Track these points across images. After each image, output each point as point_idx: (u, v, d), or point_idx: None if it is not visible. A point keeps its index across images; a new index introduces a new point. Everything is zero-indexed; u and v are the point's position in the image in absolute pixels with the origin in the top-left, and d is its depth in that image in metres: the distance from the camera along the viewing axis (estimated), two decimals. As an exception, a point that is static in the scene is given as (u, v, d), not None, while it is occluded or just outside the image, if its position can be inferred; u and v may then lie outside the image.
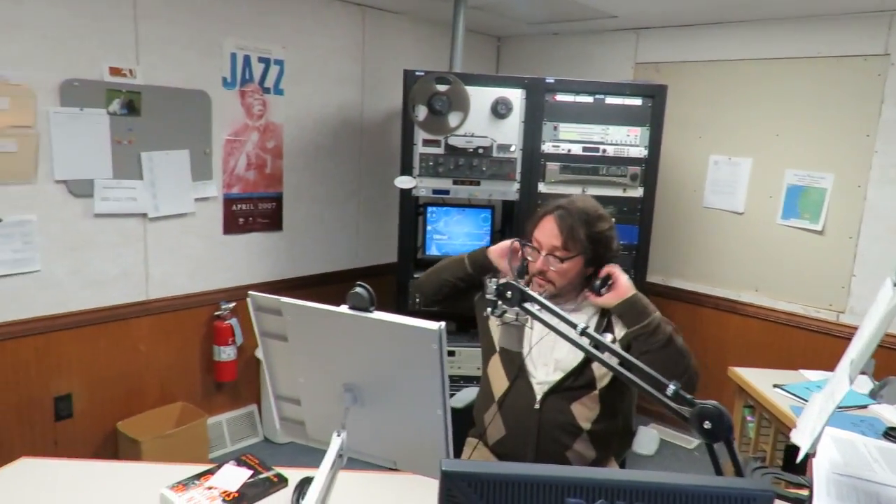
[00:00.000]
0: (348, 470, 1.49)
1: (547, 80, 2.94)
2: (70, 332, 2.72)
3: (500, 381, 1.84)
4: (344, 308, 1.11)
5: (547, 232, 1.75)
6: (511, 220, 3.25)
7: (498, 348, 1.87)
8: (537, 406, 1.75)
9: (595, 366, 1.74)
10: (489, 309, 1.45)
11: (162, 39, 2.81)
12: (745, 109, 3.38)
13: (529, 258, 1.76)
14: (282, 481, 1.70)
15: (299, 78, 3.32)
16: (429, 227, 3.19)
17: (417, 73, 2.90)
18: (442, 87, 2.90)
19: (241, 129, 3.14)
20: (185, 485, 1.64)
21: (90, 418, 2.85)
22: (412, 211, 3.08)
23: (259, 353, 3.33)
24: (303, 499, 1.62)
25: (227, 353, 3.18)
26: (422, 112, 2.91)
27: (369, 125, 3.69)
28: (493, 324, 1.89)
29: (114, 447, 2.90)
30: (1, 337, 2.53)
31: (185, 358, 3.14)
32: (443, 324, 1.05)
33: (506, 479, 0.91)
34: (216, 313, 3.16)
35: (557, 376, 1.76)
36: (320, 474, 1.04)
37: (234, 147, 3.14)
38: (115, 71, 2.70)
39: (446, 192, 3.01)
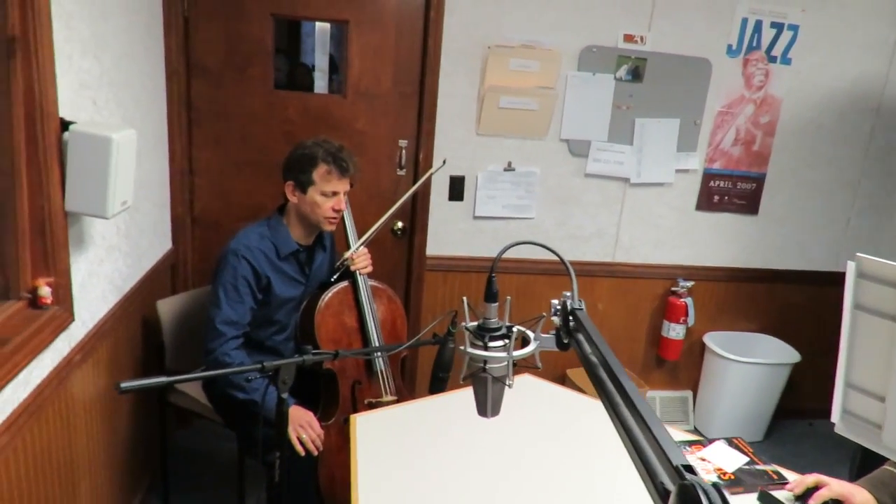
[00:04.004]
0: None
1: None
2: (545, 277, 3.00)
3: None
4: None
5: None
6: None
7: None
8: None
9: None
10: None
11: (674, 5, 2.78)
12: None
13: None
14: (781, 480, 1.51)
15: (813, 46, 2.92)
16: (970, 235, 2.47)
17: None
18: None
19: (735, 101, 2.94)
20: (676, 447, 1.59)
21: (550, 359, 3.11)
22: (948, 211, 2.42)
23: (707, 339, 3.15)
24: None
25: (675, 332, 3.09)
26: None
27: (890, 103, 3.04)
28: None
29: (560, 391, 3.12)
30: (500, 270, 2.92)
31: (634, 325, 3.17)
32: None
33: None
34: (672, 289, 3.09)
35: None
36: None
37: (725, 119, 2.95)
38: (628, 38, 2.79)
39: None
